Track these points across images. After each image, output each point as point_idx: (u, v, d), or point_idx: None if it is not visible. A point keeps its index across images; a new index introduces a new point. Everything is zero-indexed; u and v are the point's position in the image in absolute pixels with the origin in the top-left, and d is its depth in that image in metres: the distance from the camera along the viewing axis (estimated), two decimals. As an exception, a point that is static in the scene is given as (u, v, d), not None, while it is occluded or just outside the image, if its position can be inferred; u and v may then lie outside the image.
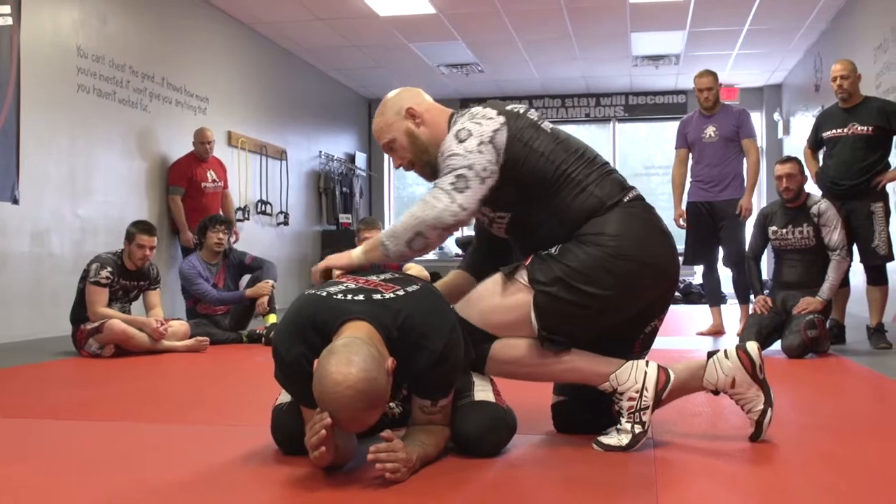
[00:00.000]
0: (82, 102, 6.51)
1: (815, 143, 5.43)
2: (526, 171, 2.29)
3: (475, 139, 2.25)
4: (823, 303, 4.71)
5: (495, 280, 2.33)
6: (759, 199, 10.95)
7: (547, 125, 2.40)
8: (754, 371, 2.29)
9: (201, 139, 7.34)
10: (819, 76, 9.38)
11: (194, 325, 5.51)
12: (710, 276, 6.17)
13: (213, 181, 7.42)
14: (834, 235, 4.77)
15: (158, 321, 5.10)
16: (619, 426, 2.28)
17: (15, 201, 5.82)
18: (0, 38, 5.71)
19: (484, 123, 2.28)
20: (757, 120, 11.39)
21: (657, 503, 1.81)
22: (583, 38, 9.81)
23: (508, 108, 2.37)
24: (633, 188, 2.39)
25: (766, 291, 5.07)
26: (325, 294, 2.08)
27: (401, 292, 2.10)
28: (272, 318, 5.86)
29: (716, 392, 2.34)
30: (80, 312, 5.04)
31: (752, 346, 2.31)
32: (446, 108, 2.48)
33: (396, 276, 2.24)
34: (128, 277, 5.15)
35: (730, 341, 5.42)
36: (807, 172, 5.06)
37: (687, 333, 6.30)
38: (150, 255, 5.16)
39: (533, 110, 2.46)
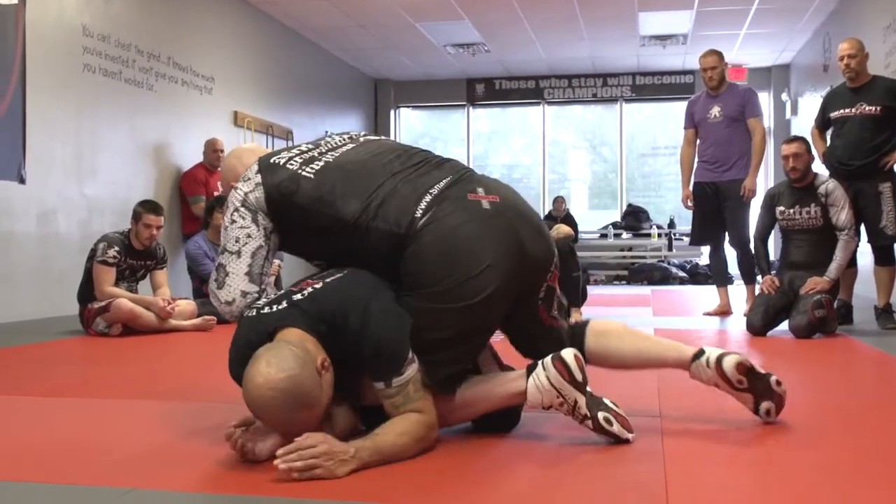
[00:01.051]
0: (88, 82, 6.51)
1: (822, 123, 5.40)
2: (298, 228, 2.18)
3: (230, 210, 2.21)
4: (831, 283, 4.69)
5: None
6: (767, 180, 10.92)
7: (312, 167, 2.18)
8: (732, 386, 2.25)
9: (213, 147, 7.44)
10: (828, 56, 9.32)
11: (201, 305, 5.52)
12: (717, 256, 6.16)
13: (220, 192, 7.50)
14: (842, 215, 4.75)
15: (165, 300, 5.13)
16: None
17: (21, 181, 5.84)
18: (5, 18, 5.70)
19: (240, 187, 2.21)
20: (765, 100, 11.34)
21: (665, 484, 1.82)
22: (590, 18, 9.76)
23: (274, 160, 2.23)
24: (430, 188, 2.12)
25: (773, 272, 5.06)
26: (254, 314, 2.06)
27: (318, 285, 2.06)
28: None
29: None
30: (87, 292, 5.06)
31: (717, 357, 2.23)
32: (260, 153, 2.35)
33: (330, 269, 2.16)
34: (135, 257, 5.16)
35: (736, 322, 5.42)
36: (814, 152, 5.03)
37: (694, 314, 6.30)
38: (157, 234, 5.17)
39: (311, 146, 2.28)
